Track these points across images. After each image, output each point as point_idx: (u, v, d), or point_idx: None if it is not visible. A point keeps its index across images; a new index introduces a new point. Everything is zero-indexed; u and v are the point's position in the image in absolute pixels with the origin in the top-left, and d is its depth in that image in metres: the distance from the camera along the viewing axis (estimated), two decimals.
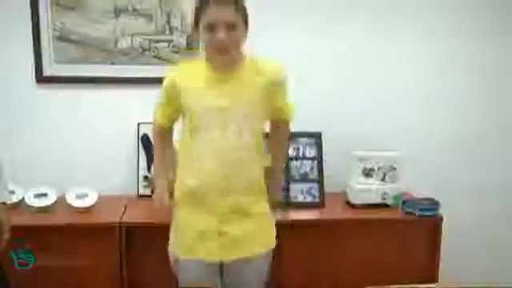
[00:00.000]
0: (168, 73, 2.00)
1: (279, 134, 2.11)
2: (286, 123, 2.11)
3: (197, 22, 1.85)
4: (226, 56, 1.85)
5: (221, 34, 1.79)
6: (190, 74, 1.95)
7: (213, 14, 1.80)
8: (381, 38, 2.81)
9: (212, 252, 1.92)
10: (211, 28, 1.80)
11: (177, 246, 2.00)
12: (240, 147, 1.89)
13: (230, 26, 1.80)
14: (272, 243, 2.03)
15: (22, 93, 2.58)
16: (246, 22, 1.89)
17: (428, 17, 2.81)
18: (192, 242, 1.94)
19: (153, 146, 2.22)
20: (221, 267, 1.96)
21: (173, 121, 2.06)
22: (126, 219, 2.43)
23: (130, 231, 2.42)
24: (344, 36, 2.80)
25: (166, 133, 2.09)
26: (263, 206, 2.00)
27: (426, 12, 2.81)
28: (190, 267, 1.95)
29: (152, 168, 2.69)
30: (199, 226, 1.93)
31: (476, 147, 2.94)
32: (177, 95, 1.94)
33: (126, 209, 2.58)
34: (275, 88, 1.95)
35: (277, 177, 2.13)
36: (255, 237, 1.96)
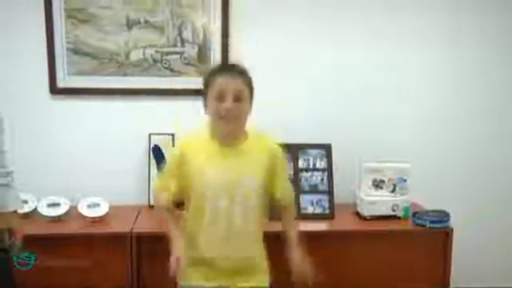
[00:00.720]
0: (172, 149, 2.07)
1: (288, 217, 2.13)
2: (287, 208, 2.12)
3: (206, 93, 1.91)
4: (231, 125, 1.89)
5: (228, 103, 1.84)
6: (194, 148, 1.98)
7: (221, 83, 1.86)
8: (385, 50, 2.83)
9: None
10: (219, 97, 1.85)
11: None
12: (245, 223, 1.94)
13: (237, 97, 1.86)
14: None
15: (37, 104, 2.62)
16: (251, 96, 1.94)
17: (433, 28, 2.82)
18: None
19: (158, 209, 2.19)
20: None
21: (175, 196, 2.04)
22: (136, 229, 2.45)
23: (141, 240, 2.43)
24: (351, 47, 2.80)
25: (171, 205, 2.08)
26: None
27: (431, 24, 2.82)
28: None
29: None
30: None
31: (486, 158, 2.94)
32: (182, 169, 1.97)
33: (137, 218, 2.59)
34: (276, 164, 1.99)
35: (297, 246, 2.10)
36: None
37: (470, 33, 2.84)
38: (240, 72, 1.94)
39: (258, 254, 2.03)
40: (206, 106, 1.93)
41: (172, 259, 1.96)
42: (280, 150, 2.03)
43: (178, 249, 1.99)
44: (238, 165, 1.94)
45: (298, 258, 2.02)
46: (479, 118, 2.91)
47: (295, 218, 2.26)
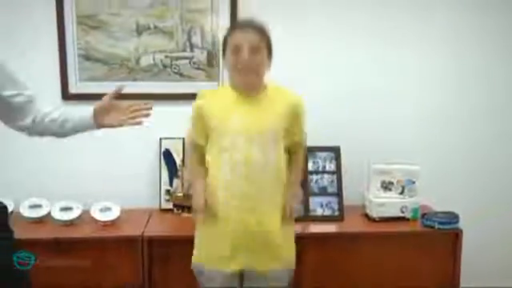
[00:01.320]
0: (195, 101, 2.07)
1: (295, 159, 2.16)
2: (301, 149, 2.17)
3: (224, 50, 1.97)
4: (248, 77, 1.94)
5: (244, 55, 1.90)
6: (215, 99, 2.04)
7: (238, 37, 1.93)
8: (388, 52, 2.83)
9: (236, 265, 1.99)
10: (236, 50, 1.91)
11: (202, 259, 2.07)
12: (264, 167, 1.97)
13: (254, 49, 1.91)
14: (292, 265, 2.09)
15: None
16: (269, 50, 1.99)
17: (436, 29, 2.83)
18: (217, 257, 2.02)
19: (187, 159, 2.26)
20: (241, 275, 2.05)
21: (206, 140, 2.09)
22: (148, 232, 2.46)
23: (152, 244, 2.44)
24: (358, 49, 2.81)
25: (203, 151, 2.11)
26: (283, 225, 2.05)
27: (434, 25, 2.83)
28: (215, 277, 2.02)
29: (176, 185, 2.74)
30: (225, 243, 2.00)
31: (490, 158, 2.94)
32: (203, 119, 2.02)
33: (148, 222, 2.60)
34: (294, 118, 2.03)
35: (294, 186, 2.16)
36: (276, 254, 2.02)
37: (472, 33, 2.84)
38: (256, 26, 1.97)
39: (279, 193, 2.04)
40: (225, 61, 2.01)
41: (196, 203, 2.07)
42: (301, 99, 2.06)
43: (201, 189, 2.07)
44: (256, 112, 1.98)
45: (291, 195, 2.09)
46: (483, 117, 2.90)
47: (301, 221, 2.33)
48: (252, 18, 2.08)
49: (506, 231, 2.96)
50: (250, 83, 1.98)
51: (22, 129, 1.91)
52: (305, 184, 2.58)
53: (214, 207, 2.02)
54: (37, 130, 1.92)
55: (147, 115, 1.95)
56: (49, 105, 1.95)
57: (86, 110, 1.92)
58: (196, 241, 2.11)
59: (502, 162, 2.95)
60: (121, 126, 1.96)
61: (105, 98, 1.92)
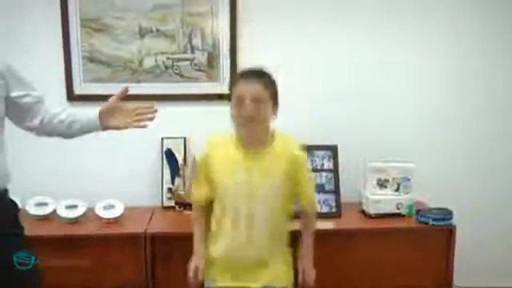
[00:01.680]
0: (201, 152, 2.07)
1: (307, 224, 2.15)
2: (308, 216, 2.14)
3: (230, 97, 1.94)
4: (250, 128, 1.92)
5: (246, 107, 1.86)
6: (221, 151, 2.01)
7: (241, 88, 1.90)
8: (388, 51, 2.84)
9: None
10: (239, 102, 1.88)
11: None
12: (266, 223, 1.97)
13: (257, 100, 1.87)
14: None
15: None
16: (274, 100, 1.95)
17: (436, 29, 2.83)
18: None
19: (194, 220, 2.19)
20: None
21: (209, 199, 2.07)
22: (150, 229, 2.48)
23: (155, 241, 2.46)
24: (359, 50, 2.82)
25: (203, 209, 2.11)
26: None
27: (433, 24, 2.83)
28: None
29: (177, 184, 2.75)
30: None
31: (488, 157, 2.95)
32: (208, 170, 2.02)
33: (150, 219, 2.62)
34: (297, 171, 2.00)
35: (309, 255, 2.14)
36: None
37: (472, 33, 2.85)
38: (259, 76, 1.94)
39: (281, 255, 2.06)
40: (231, 113, 1.95)
41: (192, 266, 2.05)
42: (302, 157, 2.05)
43: (199, 260, 2.06)
44: (258, 170, 1.95)
45: (309, 269, 2.08)
46: (482, 117, 2.92)
47: (298, 217, 2.24)
48: (257, 67, 2.05)
49: (500, 228, 2.96)
50: (252, 136, 1.96)
51: (30, 129, 1.93)
52: None
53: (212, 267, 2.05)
54: (45, 130, 1.94)
55: (152, 118, 1.98)
56: (56, 106, 1.98)
57: (92, 112, 1.95)
58: None
59: (499, 161, 2.96)
60: (126, 128, 1.99)
61: (111, 100, 1.94)
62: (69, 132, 1.96)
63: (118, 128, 1.98)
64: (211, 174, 2.01)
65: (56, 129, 1.94)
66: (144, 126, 1.98)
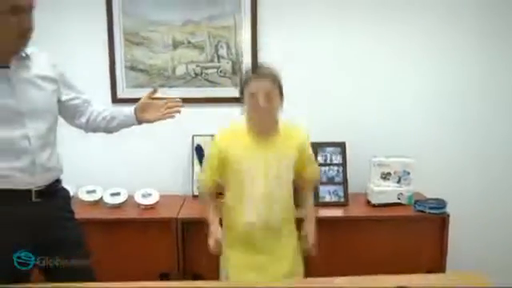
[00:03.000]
0: (212, 143, 2.15)
1: (309, 195, 2.21)
2: (312, 185, 2.23)
3: (242, 91, 2.02)
4: (263, 121, 2.01)
5: (260, 103, 1.94)
6: (234, 141, 2.06)
7: (253, 86, 1.97)
8: (388, 49, 2.83)
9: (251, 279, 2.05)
10: (252, 98, 1.96)
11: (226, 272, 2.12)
12: (280, 201, 2.03)
13: (267, 97, 1.95)
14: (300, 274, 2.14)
15: None
16: (281, 94, 2.02)
17: (438, 29, 2.81)
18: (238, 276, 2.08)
19: (207, 203, 2.21)
20: None
21: (217, 186, 2.13)
22: (181, 215, 2.57)
23: (185, 225, 2.55)
24: (366, 54, 2.82)
25: (215, 191, 2.16)
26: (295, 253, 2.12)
27: (441, 25, 2.81)
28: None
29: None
30: (243, 264, 2.06)
31: (479, 153, 2.92)
32: (222, 159, 2.06)
33: (182, 206, 2.70)
34: (303, 150, 2.09)
35: (312, 223, 2.17)
36: (287, 273, 2.06)
37: (473, 29, 2.81)
38: (269, 75, 2.00)
39: (291, 218, 2.11)
40: (243, 105, 2.03)
41: (211, 241, 2.06)
42: (306, 138, 2.12)
43: (216, 231, 2.07)
44: (270, 153, 2.02)
45: (310, 233, 2.12)
46: (475, 118, 2.90)
47: (315, 205, 2.28)
48: (264, 65, 2.14)
49: (491, 217, 2.95)
50: (264, 125, 2.03)
51: (78, 126, 2.05)
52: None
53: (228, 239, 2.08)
54: (91, 127, 2.05)
55: (179, 111, 2.06)
56: (100, 106, 2.08)
57: (128, 110, 2.05)
58: (221, 261, 2.16)
59: (490, 158, 2.93)
60: (158, 120, 2.06)
61: (144, 97, 2.05)
62: (110, 127, 2.06)
63: (149, 121, 2.06)
64: (228, 163, 2.05)
65: (99, 125, 2.04)
66: (172, 117, 2.06)
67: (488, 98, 2.90)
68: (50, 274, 1.88)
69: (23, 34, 1.69)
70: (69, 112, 2.01)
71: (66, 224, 1.94)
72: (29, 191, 1.79)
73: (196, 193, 2.84)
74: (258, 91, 1.95)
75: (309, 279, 1.95)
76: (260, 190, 2.02)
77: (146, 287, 1.82)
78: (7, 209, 1.74)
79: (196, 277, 2.56)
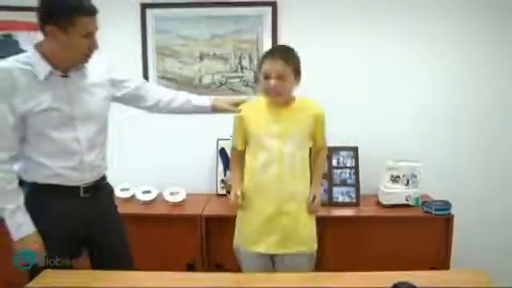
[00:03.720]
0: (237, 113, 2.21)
1: (319, 160, 2.24)
2: (323, 151, 2.26)
3: (259, 71, 2.09)
4: (275, 98, 2.07)
5: (272, 82, 2.01)
6: (252, 110, 2.15)
7: (267, 66, 2.02)
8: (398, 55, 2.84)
9: (266, 248, 2.08)
10: (265, 77, 2.03)
11: (239, 240, 2.19)
12: (293, 164, 2.07)
13: (280, 76, 2.00)
14: (314, 246, 2.15)
15: (136, 118, 2.58)
16: (296, 73, 2.05)
17: (445, 31, 2.81)
18: (248, 239, 2.12)
19: (230, 162, 2.35)
20: (271, 257, 2.13)
21: (245, 145, 2.20)
22: (206, 212, 2.66)
23: (209, 221, 2.63)
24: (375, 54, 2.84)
25: (241, 155, 2.22)
26: (306, 215, 2.13)
27: (453, 36, 2.81)
28: (248, 256, 2.15)
29: (228, 175, 2.84)
30: (252, 228, 2.10)
31: (483, 157, 2.92)
32: (243, 126, 2.16)
33: (206, 204, 2.78)
34: (316, 124, 2.12)
35: (317, 184, 2.23)
36: (300, 239, 2.10)
37: (479, 34, 2.80)
38: (282, 55, 2.03)
39: (304, 188, 2.13)
40: (260, 85, 2.10)
41: (232, 194, 2.16)
42: (322, 110, 2.14)
43: (237, 187, 2.16)
44: (285, 120, 2.07)
45: (317, 194, 2.15)
46: (479, 123, 2.89)
47: (325, 205, 2.41)
48: (282, 45, 2.18)
49: (493, 218, 2.95)
50: (276, 102, 2.09)
51: (145, 110, 2.15)
52: (326, 177, 2.70)
53: (247, 197, 2.13)
54: (159, 110, 2.15)
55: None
56: (160, 88, 2.19)
57: (206, 102, 2.15)
58: (236, 223, 2.23)
59: (493, 161, 2.93)
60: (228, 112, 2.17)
61: (229, 103, 2.15)
62: (180, 111, 2.16)
63: (226, 110, 2.16)
64: (248, 129, 2.13)
65: (172, 110, 2.14)
66: (239, 112, 2.15)
67: (493, 106, 2.89)
68: (97, 262, 2.01)
69: (90, 54, 1.84)
70: (129, 102, 2.12)
71: (110, 217, 2.06)
72: (77, 187, 1.90)
73: (220, 192, 2.93)
74: (271, 72, 2.00)
75: (321, 273, 1.99)
76: (274, 149, 2.06)
77: (176, 278, 1.87)
78: (60, 203, 1.87)
79: (218, 266, 2.63)
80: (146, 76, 2.93)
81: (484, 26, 2.82)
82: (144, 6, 2.89)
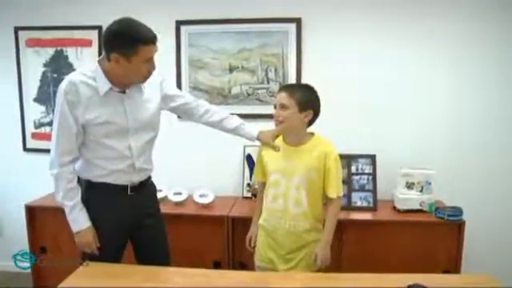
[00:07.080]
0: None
1: (328, 212, 2.14)
2: (332, 205, 2.13)
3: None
4: (278, 127, 2.10)
5: (275, 111, 2.11)
6: (270, 148, 2.13)
7: (276, 97, 2.13)
8: (416, 68, 2.83)
9: (273, 267, 2.14)
10: (274, 107, 2.13)
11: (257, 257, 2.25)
12: (296, 202, 2.07)
13: (282, 106, 2.07)
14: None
15: (170, 127, 2.62)
16: (301, 107, 2.05)
17: (465, 57, 2.79)
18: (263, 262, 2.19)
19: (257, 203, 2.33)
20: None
21: (265, 178, 2.20)
22: (232, 213, 2.68)
23: (235, 222, 2.65)
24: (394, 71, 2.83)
25: (264, 186, 2.23)
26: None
27: (458, 40, 2.79)
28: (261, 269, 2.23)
29: (253, 179, 2.84)
30: (269, 253, 2.16)
31: (495, 166, 2.88)
32: (262, 161, 2.20)
33: (233, 206, 2.81)
34: (324, 163, 2.07)
35: (324, 237, 2.13)
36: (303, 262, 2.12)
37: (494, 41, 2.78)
38: (288, 88, 2.12)
39: (309, 231, 2.10)
40: None
41: (247, 237, 2.28)
42: (333, 154, 2.08)
43: (253, 231, 2.26)
44: (294, 161, 2.08)
45: (322, 254, 2.08)
46: (490, 131, 2.86)
47: (344, 209, 2.32)
48: (299, 83, 2.25)
49: (503, 225, 2.91)
50: (285, 134, 2.12)
51: (192, 121, 2.21)
52: (345, 183, 2.67)
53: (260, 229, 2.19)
54: (205, 124, 2.20)
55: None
56: (210, 106, 2.21)
57: (253, 132, 2.17)
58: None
59: (503, 172, 2.89)
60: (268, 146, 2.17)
61: (270, 142, 2.12)
62: (224, 131, 2.21)
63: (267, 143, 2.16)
64: (263, 164, 2.19)
65: (214, 126, 2.19)
66: (278, 151, 2.12)
67: (505, 119, 2.86)
68: (139, 253, 2.11)
69: (148, 76, 1.93)
70: (178, 113, 2.26)
71: (152, 213, 2.14)
72: (126, 186, 2.02)
73: (246, 194, 2.97)
74: (276, 102, 2.10)
75: (340, 274, 1.98)
76: (280, 191, 2.10)
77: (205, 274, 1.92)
78: (111, 198, 2.00)
79: (242, 265, 2.64)
80: (179, 86, 2.99)
81: (501, 46, 2.78)
82: (179, 23, 3.00)
